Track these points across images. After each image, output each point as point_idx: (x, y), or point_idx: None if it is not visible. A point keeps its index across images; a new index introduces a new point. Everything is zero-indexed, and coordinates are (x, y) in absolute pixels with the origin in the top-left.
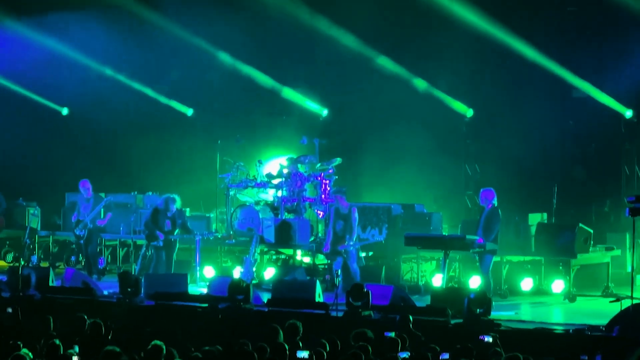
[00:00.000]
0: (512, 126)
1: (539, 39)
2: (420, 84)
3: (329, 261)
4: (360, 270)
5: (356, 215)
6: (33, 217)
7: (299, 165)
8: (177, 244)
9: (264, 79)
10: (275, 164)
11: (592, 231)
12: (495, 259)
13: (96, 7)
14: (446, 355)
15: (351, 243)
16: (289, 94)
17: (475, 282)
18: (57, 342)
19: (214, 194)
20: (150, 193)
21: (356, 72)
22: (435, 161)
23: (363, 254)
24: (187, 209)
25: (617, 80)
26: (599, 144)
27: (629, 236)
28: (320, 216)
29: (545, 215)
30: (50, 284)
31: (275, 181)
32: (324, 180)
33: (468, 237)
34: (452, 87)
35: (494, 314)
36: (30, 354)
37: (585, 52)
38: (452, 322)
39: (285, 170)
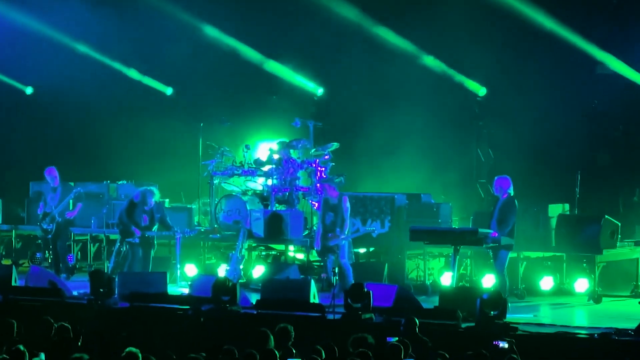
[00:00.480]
0: (530, 106)
1: (559, 9)
2: (427, 59)
3: (321, 259)
4: (360, 268)
5: (347, 205)
6: None
7: (291, 151)
8: (155, 241)
9: (252, 54)
10: (264, 148)
11: (619, 224)
12: (511, 255)
13: None
14: None
15: (342, 236)
16: (279, 70)
17: (488, 281)
18: (22, 348)
19: (196, 183)
20: (125, 182)
21: (355, 46)
22: (444, 146)
23: (363, 250)
24: (167, 200)
25: None
26: (627, 126)
27: None
28: (315, 207)
29: (567, 206)
30: (13, 283)
31: (265, 168)
32: (319, 167)
33: (481, 230)
34: (463, 63)
35: (510, 317)
36: None
37: (612, 23)
38: (463, 325)
39: (275, 156)
